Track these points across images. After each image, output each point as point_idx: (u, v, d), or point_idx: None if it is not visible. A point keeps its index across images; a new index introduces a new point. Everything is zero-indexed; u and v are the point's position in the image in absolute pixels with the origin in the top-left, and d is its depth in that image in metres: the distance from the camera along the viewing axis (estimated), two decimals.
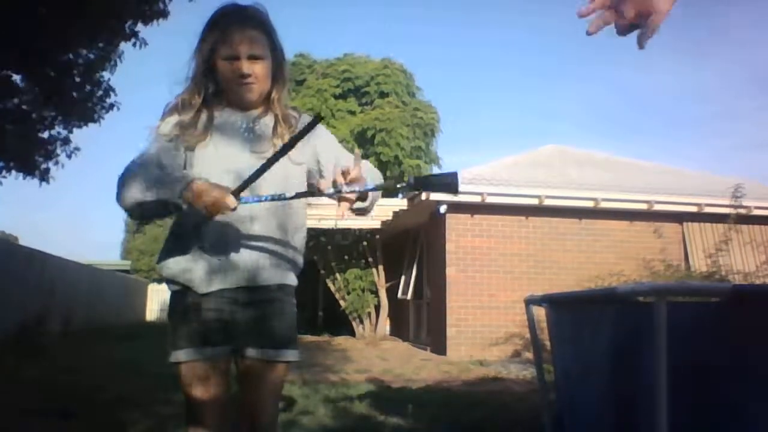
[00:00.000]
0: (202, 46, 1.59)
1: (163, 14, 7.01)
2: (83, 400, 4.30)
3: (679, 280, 6.84)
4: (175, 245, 1.59)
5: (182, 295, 1.58)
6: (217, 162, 1.57)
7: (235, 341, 1.56)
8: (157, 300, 23.72)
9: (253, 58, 1.56)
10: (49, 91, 7.70)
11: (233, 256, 1.55)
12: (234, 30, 1.55)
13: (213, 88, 1.62)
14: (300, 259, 1.68)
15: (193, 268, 1.56)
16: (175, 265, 1.57)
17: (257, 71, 1.58)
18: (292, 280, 1.65)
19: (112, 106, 8.45)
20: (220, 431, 1.57)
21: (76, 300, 13.18)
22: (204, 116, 1.61)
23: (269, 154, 1.54)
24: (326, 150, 1.68)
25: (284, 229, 1.62)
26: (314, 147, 1.66)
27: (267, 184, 1.53)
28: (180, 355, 1.54)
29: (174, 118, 1.62)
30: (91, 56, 7.80)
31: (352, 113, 14.37)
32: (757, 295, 2.34)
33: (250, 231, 1.56)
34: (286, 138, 1.59)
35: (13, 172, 8.28)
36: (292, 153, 1.54)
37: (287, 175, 1.60)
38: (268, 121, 1.65)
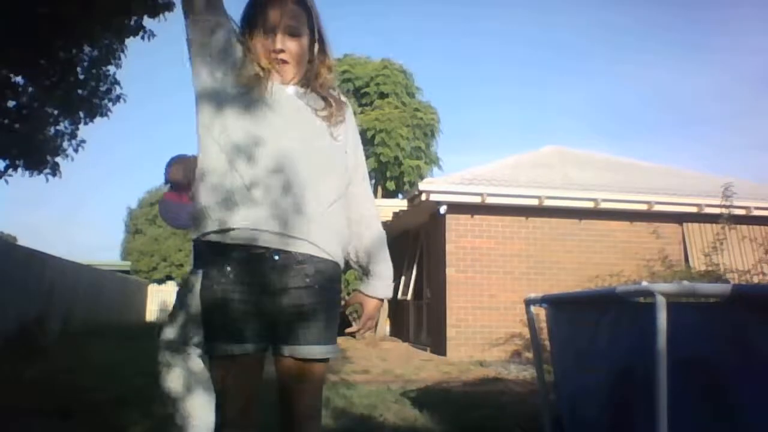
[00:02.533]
0: (243, 23, 1.52)
1: (169, 7, 7.00)
2: (83, 400, 4.30)
3: (678, 280, 6.85)
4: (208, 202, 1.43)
5: (210, 278, 1.42)
6: (259, 129, 1.44)
7: (267, 335, 1.44)
8: (157, 301, 23.72)
9: (289, 33, 1.49)
10: (51, 89, 7.67)
11: (274, 211, 1.40)
12: (272, 2, 1.48)
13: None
14: (345, 234, 1.54)
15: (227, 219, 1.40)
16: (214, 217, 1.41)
17: (292, 48, 1.50)
18: (338, 256, 1.50)
19: (118, 98, 8.42)
20: (249, 429, 1.46)
21: (76, 300, 13.17)
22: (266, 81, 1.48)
23: (311, 133, 1.49)
24: (352, 152, 1.61)
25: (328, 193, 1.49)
26: (346, 140, 1.58)
27: (310, 161, 1.46)
28: (214, 348, 1.43)
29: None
30: (96, 53, 7.78)
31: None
32: (757, 295, 2.34)
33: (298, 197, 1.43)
34: (337, 122, 1.54)
35: (20, 170, 8.21)
36: (335, 130, 1.52)
37: (332, 153, 1.53)
38: (314, 101, 1.54)
